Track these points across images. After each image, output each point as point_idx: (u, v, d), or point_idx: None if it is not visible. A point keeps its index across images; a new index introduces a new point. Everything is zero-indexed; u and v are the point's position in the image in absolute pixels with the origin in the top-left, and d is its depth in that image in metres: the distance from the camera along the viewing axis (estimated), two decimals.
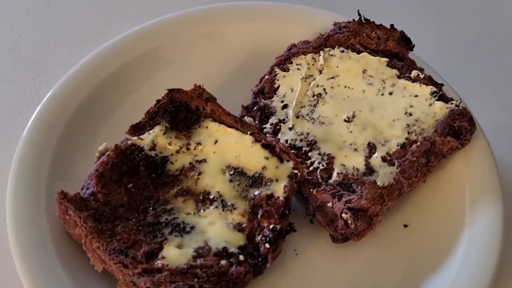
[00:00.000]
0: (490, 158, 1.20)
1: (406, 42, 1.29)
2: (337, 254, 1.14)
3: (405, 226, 1.17)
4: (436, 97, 1.21)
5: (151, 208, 1.08)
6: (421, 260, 1.12)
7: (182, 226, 1.06)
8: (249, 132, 1.15)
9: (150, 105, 1.17)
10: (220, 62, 1.37)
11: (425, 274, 1.10)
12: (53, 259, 1.04)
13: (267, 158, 1.12)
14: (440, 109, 1.20)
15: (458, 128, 1.18)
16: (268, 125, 1.22)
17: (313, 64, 1.29)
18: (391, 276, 1.11)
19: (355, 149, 1.17)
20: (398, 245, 1.15)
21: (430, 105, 1.21)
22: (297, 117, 1.23)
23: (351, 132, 1.19)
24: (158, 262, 1.00)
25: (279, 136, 1.20)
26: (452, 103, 1.21)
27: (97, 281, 1.05)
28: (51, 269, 1.03)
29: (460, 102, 1.21)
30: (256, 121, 1.23)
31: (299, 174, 1.10)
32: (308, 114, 1.23)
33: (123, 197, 1.08)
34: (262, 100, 1.26)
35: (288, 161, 1.12)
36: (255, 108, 1.26)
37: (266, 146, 1.14)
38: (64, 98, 1.24)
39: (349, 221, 1.08)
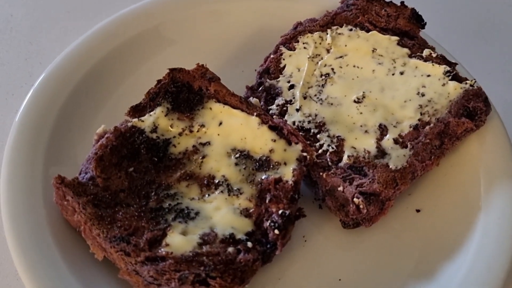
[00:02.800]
0: (505, 140, 1.16)
1: (417, 20, 1.25)
2: (348, 241, 1.10)
3: (418, 211, 1.13)
4: (450, 77, 1.17)
5: (153, 193, 1.03)
6: (435, 246, 1.09)
7: (186, 211, 1.01)
8: (255, 113, 1.10)
9: (151, 86, 1.13)
10: (223, 41, 1.32)
11: (439, 261, 1.07)
12: (50, 247, 0.99)
13: (275, 141, 1.07)
14: (454, 89, 1.16)
15: (473, 109, 1.14)
16: (274, 106, 1.17)
17: (320, 43, 1.25)
18: (403, 264, 1.07)
19: (366, 131, 1.13)
20: (411, 230, 1.11)
21: (444, 85, 1.16)
22: (305, 97, 1.18)
23: (361, 113, 1.15)
24: (162, 249, 0.95)
25: (286, 117, 1.15)
26: (466, 83, 1.16)
27: (98, 270, 1.01)
28: (49, 258, 0.98)
29: (475, 82, 1.17)
30: (262, 102, 1.18)
31: (308, 157, 1.06)
32: (316, 95, 1.18)
33: (123, 182, 1.03)
34: (268, 80, 1.21)
35: (296, 143, 1.07)
36: (260, 88, 1.21)
37: (273, 128, 1.09)
38: (59, 79, 1.19)
39: (361, 206, 1.04)
